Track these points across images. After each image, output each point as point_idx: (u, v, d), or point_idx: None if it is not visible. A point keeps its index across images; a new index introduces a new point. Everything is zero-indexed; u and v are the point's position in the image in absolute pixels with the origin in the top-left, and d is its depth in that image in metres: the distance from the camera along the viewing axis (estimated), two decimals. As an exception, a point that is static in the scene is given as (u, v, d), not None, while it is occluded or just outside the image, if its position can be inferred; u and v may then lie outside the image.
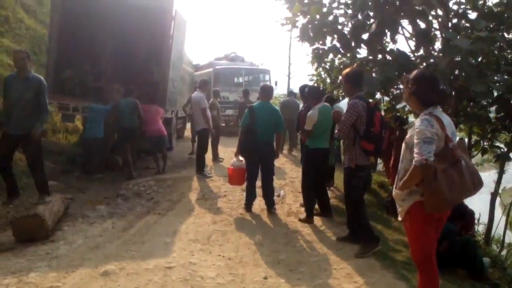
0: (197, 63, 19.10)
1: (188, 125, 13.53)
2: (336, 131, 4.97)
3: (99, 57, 9.88)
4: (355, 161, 4.74)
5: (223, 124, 14.41)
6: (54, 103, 8.88)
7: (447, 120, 3.12)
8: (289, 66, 29.09)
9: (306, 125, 5.97)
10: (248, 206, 6.48)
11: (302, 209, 6.26)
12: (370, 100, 6.78)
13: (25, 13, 14.00)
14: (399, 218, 3.26)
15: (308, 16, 6.91)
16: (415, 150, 2.92)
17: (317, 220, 6.06)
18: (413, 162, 2.91)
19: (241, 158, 6.55)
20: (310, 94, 6.36)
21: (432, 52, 6.14)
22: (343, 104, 7.39)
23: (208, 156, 9.66)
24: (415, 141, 2.95)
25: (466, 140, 7.51)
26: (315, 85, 8.18)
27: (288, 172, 9.37)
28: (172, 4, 9.12)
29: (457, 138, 3.29)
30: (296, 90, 11.87)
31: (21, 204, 6.03)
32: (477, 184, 3.04)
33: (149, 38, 9.53)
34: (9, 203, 5.92)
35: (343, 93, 7.42)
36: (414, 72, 3.26)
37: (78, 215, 6.00)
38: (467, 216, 5.61)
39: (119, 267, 4.18)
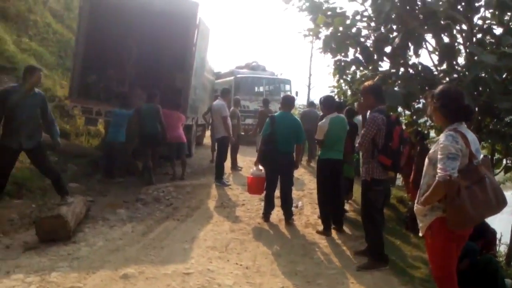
0: (218, 71, 19.25)
1: (208, 133, 13.63)
2: (356, 145, 4.96)
3: (124, 63, 10.05)
4: (371, 174, 4.71)
5: (243, 133, 14.47)
6: (78, 106, 9.07)
7: (471, 136, 3.10)
8: (309, 77, 29.24)
9: (317, 135, 6.01)
10: (266, 216, 6.49)
11: (320, 221, 6.24)
12: (391, 114, 6.79)
13: (53, 18, 14.37)
14: (420, 234, 3.24)
15: (331, 28, 6.94)
16: (439, 165, 2.90)
17: (335, 233, 6.04)
18: (437, 178, 2.90)
19: (260, 167, 6.58)
20: (323, 103, 6.37)
21: (456, 67, 6.10)
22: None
23: (227, 164, 9.72)
24: (439, 156, 2.94)
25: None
26: (331, 95, 8.17)
27: (307, 183, 9.35)
28: (197, 12, 9.24)
29: (481, 155, 3.26)
30: (316, 101, 11.87)
31: (44, 204, 6.17)
32: (501, 202, 3.01)
33: (173, 45, 9.66)
34: None
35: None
36: (440, 87, 3.26)
37: (99, 217, 6.10)
38: (489, 235, 5.49)
39: (139, 271, 4.24)
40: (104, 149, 8.96)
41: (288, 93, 17.08)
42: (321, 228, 6.07)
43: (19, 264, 4.23)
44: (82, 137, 10.36)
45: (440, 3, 5.77)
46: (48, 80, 10.73)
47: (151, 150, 8.64)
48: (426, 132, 7.58)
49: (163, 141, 8.53)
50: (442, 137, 3.06)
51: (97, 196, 7.25)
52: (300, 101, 26.02)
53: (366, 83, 5.01)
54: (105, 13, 9.06)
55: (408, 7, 6.14)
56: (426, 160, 3.19)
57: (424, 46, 6.50)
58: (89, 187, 7.70)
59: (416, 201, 3.26)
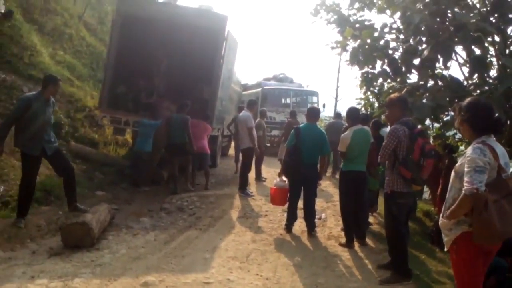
0: (245, 83, 19.37)
1: (233, 144, 13.69)
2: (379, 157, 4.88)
3: (153, 74, 10.27)
4: (392, 187, 4.62)
5: (268, 144, 14.45)
6: (107, 116, 9.29)
7: (500, 149, 3.00)
8: (337, 89, 29.04)
9: (339, 147, 5.94)
10: (289, 227, 6.44)
11: (343, 233, 6.14)
12: (419, 126, 6.66)
13: (87, 31, 14.85)
14: (445, 249, 3.13)
15: (359, 40, 6.90)
16: (466, 178, 2.82)
17: (358, 246, 5.92)
18: (463, 191, 2.81)
19: (284, 178, 6.54)
20: (347, 115, 6.30)
21: (487, 79, 5.94)
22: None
23: (251, 175, 9.71)
24: (466, 169, 2.85)
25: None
26: (356, 107, 8.06)
27: (331, 195, 9.24)
28: (225, 25, 9.36)
29: (511, 169, 3.14)
30: (343, 113, 11.76)
31: (72, 211, 6.29)
32: (531, 218, 2.88)
33: (201, 57, 9.80)
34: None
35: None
36: (468, 99, 3.17)
37: (123, 225, 6.17)
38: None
39: (159, 279, 4.25)
40: (131, 158, 9.12)
41: (315, 105, 17.01)
42: (344, 240, 5.97)
43: (43, 269, 4.32)
44: (110, 147, 10.57)
45: (472, 15, 5.65)
46: (79, 91, 11.06)
47: (178, 160, 8.70)
48: (455, 145, 7.38)
49: (191, 151, 8.59)
50: (469, 150, 2.97)
51: (122, 204, 7.36)
52: (327, 113, 25.86)
53: (392, 95, 4.94)
54: (136, 26, 9.29)
55: (438, 19, 6.05)
56: (453, 173, 3.10)
57: (455, 58, 6.37)
58: (115, 195, 7.83)
59: (441, 214, 3.16)
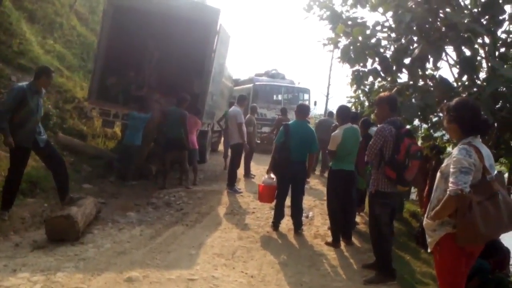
0: (237, 78, 19.30)
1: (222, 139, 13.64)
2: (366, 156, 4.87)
3: (143, 67, 10.17)
4: (376, 186, 4.62)
5: (259, 141, 14.41)
6: (97, 108, 9.18)
7: (486, 151, 3.01)
8: (328, 87, 29.16)
9: (330, 145, 5.90)
10: (276, 224, 6.42)
11: (330, 232, 6.14)
12: (408, 126, 6.67)
13: (78, 20, 14.66)
14: (429, 250, 3.14)
15: (351, 38, 6.87)
16: (451, 179, 2.82)
17: (344, 245, 5.93)
18: (448, 192, 2.81)
19: (272, 175, 6.52)
20: (337, 114, 6.28)
21: (476, 80, 5.96)
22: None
23: (240, 171, 9.67)
24: (451, 170, 2.85)
25: (507, 174, 7.19)
26: (346, 105, 8.03)
27: (319, 193, 9.25)
28: (218, 19, 9.28)
29: (496, 171, 3.15)
30: (335, 111, 11.77)
31: (57, 204, 6.22)
32: (514, 220, 2.89)
33: (193, 50, 9.72)
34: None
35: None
36: (456, 99, 3.18)
37: (109, 219, 6.13)
38: (502, 253, 5.32)
39: (143, 275, 4.22)
40: (119, 151, 9.04)
41: (307, 102, 17.03)
42: (330, 239, 5.97)
43: (26, 263, 4.27)
44: (98, 139, 10.47)
45: (463, 15, 5.65)
46: (69, 81, 10.93)
47: (172, 155, 8.60)
48: (442, 146, 7.41)
49: (186, 147, 8.52)
50: (455, 150, 2.98)
51: (109, 198, 7.30)
52: (319, 111, 25.91)
53: (382, 94, 4.93)
54: (128, 18, 9.19)
55: (429, 19, 6.04)
56: (438, 174, 3.11)
57: (445, 59, 6.38)
58: (102, 188, 7.76)
59: (425, 215, 3.16)
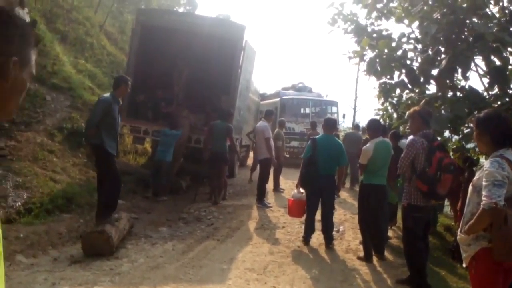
0: (263, 92, 19.38)
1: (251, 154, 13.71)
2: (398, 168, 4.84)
3: (172, 84, 10.41)
4: (408, 200, 4.58)
5: (288, 155, 14.37)
6: (127, 125, 9.43)
7: (519, 163, 2.95)
8: (355, 99, 28.90)
9: (361, 159, 5.85)
10: (306, 239, 6.41)
11: (361, 247, 6.08)
12: (439, 138, 6.58)
13: (107, 40, 15.16)
14: (464, 265, 3.09)
15: (376, 50, 6.87)
16: (484, 192, 2.78)
17: (376, 260, 5.87)
18: (481, 205, 2.77)
19: (302, 190, 6.53)
20: (368, 127, 6.25)
21: (508, 90, 5.86)
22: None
23: (270, 186, 9.70)
24: (484, 183, 2.81)
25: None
26: (376, 118, 7.95)
27: (349, 207, 9.16)
28: (243, 35, 9.46)
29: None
30: (361, 124, 11.71)
31: (92, 219, 6.40)
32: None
33: (220, 66, 9.90)
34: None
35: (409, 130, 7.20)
36: (485, 111, 3.15)
37: (142, 234, 6.25)
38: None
39: (176, 289, 4.29)
40: (152, 167, 9.21)
41: (335, 115, 16.93)
42: (362, 254, 5.91)
43: (64, 277, 4.40)
44: (129, 155, 10.71)
45: (490, 25, 5.59)
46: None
47: (217, 170, 8.61)
48: (475, 158, 7.26)
49: (227, 160, 8.61)
50: (487, 163, 2.94)
51: (141, 214, 7.45)
52: (347, 124, 25.69)
53: (416, 107, 4.93)
54: (156, 36, 9.46)
55: (456, 29, 6.00)
56: (470, 187, 3.07)
57: (474, 69, 6.29)
58: (134, 204, 7.93)
59: (459, 229, 3.12)
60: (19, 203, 6.00)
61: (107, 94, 6.11)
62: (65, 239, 5.70)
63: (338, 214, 7.97)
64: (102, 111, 5.76)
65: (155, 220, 7.14)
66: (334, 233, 6.62)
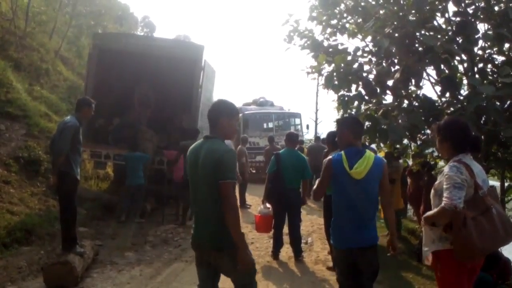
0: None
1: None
2: None
3: (132, 107, 10.26)
4: None
5: (254, 171, 14.36)
6: (87, 151, 9.17)
7: (477, 167, 3.08)
8: (316, 112, 29.32)
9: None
10: (275, 253, 6.42)
11: (330, 257, 6.14)
12: (398, 146, 6.77)
13: (64, 65, 14.81)
14: (425, 262, 3.19)
15: (333, 65, 7.02)
16: (445, 194, 2.87)
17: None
18: (442, 204, 2.85)
19: (268, 205, 6.53)
20: (327, 139, 6.35)
21: (459, 97, 6.13)
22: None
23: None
24: (445, 186, 2.91)
25: (499, 185, 7.30)
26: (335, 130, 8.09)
27: (316, 218, 9.26)
28: (202, 55, 9.50)
29: (488, 186, 3.21)
30: (323, 135, 11.89)
31: (53, 250, 6.15)
32: (510, 233, 2.96)
33: (180, 87, 9.87)
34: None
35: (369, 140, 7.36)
36: (445, 119, 3.28)
37: (107, 261, 6.07)
38: (502, 264, 5.34)
39: (147, 316, 4.17)
40: (124, 192, 8.98)
41: (299, 126, 17.12)
42: (331, 264, 5.94)
43: (25, 314, 4.20)
44: (91, 181, 10.42)
45: (439, 36, 5.86)
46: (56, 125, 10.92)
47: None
48: (433, 163, 7.52)
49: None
50: (446, 168, 3.05)
51: (106, 240, 7.24)
52: (311, 135, 25.96)
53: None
54: (113, 59, 9.34)
55: (407, 41, 6.24)
56: (432, 192, 3.16)
57: (427, 78, 6.55)
58: (98, 230, 7.70)
59: (421, 222, 3.20)
60: (-26, 238, 5.70)
61: (69, 117, 5.81)
62: (25, 273, 5.43)
63: (305, 226, 8.03)
64: (73, 136, 5.52)
65: (120, 246, 6.94)
66: (302, 245, 6.66)
